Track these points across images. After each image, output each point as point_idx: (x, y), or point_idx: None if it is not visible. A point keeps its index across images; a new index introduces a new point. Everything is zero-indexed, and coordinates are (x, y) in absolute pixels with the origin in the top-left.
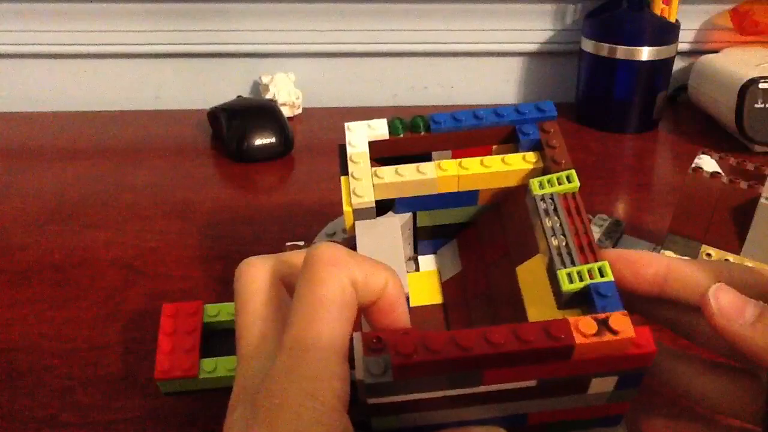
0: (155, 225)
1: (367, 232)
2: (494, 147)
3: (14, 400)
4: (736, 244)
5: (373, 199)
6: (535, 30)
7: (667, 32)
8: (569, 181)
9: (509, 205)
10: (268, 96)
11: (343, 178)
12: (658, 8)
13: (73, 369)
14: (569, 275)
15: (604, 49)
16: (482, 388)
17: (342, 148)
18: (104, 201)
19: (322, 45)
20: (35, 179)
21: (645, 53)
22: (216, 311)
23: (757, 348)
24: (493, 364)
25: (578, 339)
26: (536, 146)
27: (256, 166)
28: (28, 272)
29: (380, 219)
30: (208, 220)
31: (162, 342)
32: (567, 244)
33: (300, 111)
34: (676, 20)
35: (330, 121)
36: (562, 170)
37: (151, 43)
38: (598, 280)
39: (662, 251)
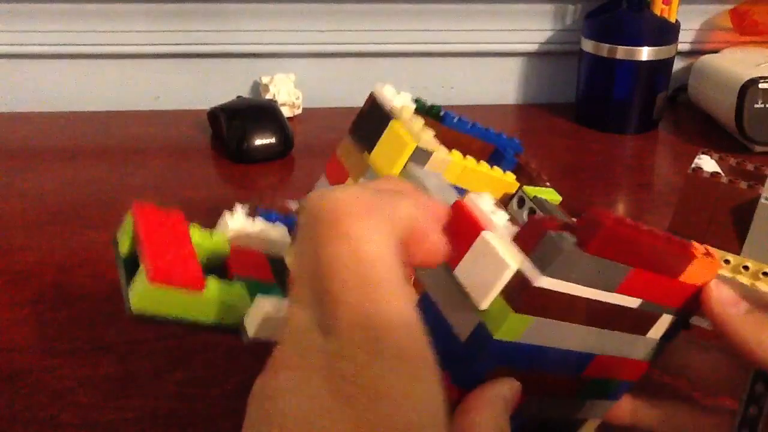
0: None
1: (427, 175)
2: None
3: (14, 400)
4: (736, 244)
5: (436, 147)
6: (535, 30)
7: (667, 32)
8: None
9: None
10: (268, 96)
11: (394, 121)
12: (658, 8)
13: (73, 369)
14: None
15: (604, 49)
16: (610, 297)
17: (372, 104)
18: (104, 201)
19: (322, 45)
20: (35, 179)
21: (645, 53)
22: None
23: (745, 338)
24: (651, 256)
25: (697, 253)
26: (513, 170)
27: (256, 167)
28: (28, 272)
29: (424, 168)
30: (208, 220)
31: (147, 240)
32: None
33: (300, 111)
34: (676, 20)
35: (330, 121)
36: (546, 187)
37: (151, 43)
38: None
39: None
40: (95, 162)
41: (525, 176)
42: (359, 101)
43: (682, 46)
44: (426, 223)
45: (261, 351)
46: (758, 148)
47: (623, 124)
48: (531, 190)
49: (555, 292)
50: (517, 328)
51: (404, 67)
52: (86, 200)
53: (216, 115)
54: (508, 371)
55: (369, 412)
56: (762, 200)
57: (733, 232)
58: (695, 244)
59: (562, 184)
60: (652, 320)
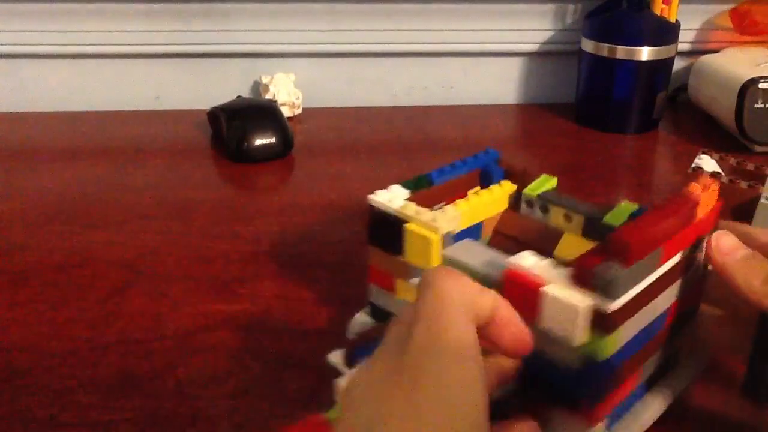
0: (155, 225)
1: (465, 254)
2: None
3: (14, 400)
4: None
5: (458, 226)
6: (535, 30)
7: (667, 32)
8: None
9: (508, 224)
10: (268, 96)
11: (407, 225)
12: (658, 8)
13: (73, 369)
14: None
15: (604, 49)
16: (659, 271)
17: (376, 215)
18: (104, 201)
19: (322, 45)
20: (35, 179)
21: (645, 53)
22: None
23: (737, 283)
24: (671, 230)
25: (699, 195)
26: (504, 177)
27: (256, 167)
28: (28, 272)
29: (462, 242)
30: (208, 220)
31: None
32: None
33: (300, 111)
34: (676, 20)
35: (330, 121)
36: (537, 176)
37: (151, 43)
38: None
39: None
40: (95, 162)
41: (515, 176)
42: (359, 101)
43: (682, 46)
44: (507, 312)
45: (261, 351)
46: (758, 148)
47: (623, 124)
48: (531, 189)
49: (625, 303)
50: (614, 341)
51: (404, 67)
52: (86, 200)
53: (216, 115)
54: (629, 362)
55: (415, 392)
56: (762, 200)
57: None
58: (693, 186)
59: (563, 184)
60: (692, 260)
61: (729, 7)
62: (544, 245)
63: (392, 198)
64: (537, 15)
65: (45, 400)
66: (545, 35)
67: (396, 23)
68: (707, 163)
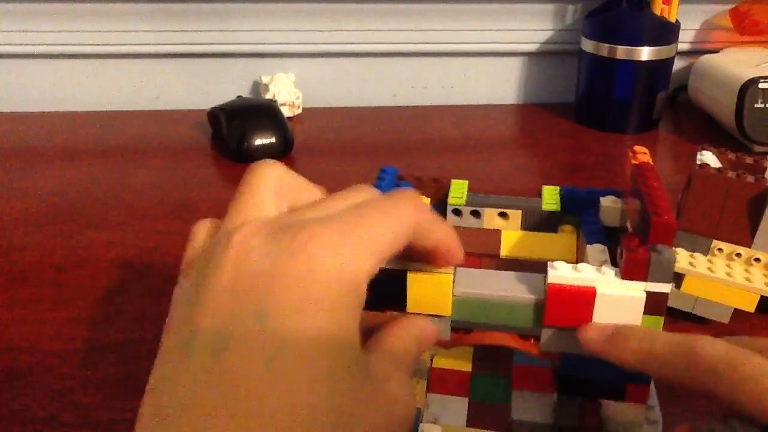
0: (155, 225)
1: (478, 286)
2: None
3: (14, 400)
4: (747, 238)
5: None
6: (535, 30)
7: (667, 32)
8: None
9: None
10: (268, 96)
11: (411, 274)
12: (658, 8)
13: (73, 369)
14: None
15: (604, 49)
16: None
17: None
18: (104, 201)
19: (322, 45)
20: (35, 179)
21: (645, 53)
22: None
23: (619, 360)
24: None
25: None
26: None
27: None
28: (28, 272)
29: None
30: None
31: None
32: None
33: (300, 111)
34: (676, 20)
35: (330, 121)
36: (447, 183)
37: (151, 43)
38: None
39: (675, 248)
40: (95, 162)
41: (426, 187)
42: (359, 101)
43: (682, 46)
44: (428, 220)
45: None
46: (758, 148)
47: (623, 123)
48: (456, 197)
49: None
50: (662, 320)
51: (404, 67)
52: (86, 200)
53: (216, 115)
54: None
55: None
56: None
57: (743, 226)
58: (639, 154)
59: (563, 184)
60: None
61: (729, 7)
62: (489, 249)
63: None
64: (537, 15)
65: (45, 400)
66: (545, 35)
67: (396, 23)
68: (710, 158)
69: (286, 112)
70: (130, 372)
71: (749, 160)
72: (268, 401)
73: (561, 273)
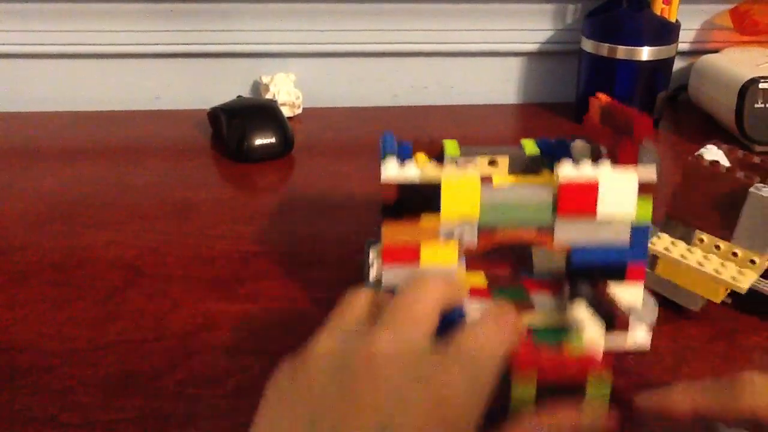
0: (155, 225)
1: (503, 194)
2: None
3: (14, 400)
4: (728, 232)
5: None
6: (535, 30)
7: (667, 32)
8: None
9: None
10: (268, 96)
11: (445, 179)
12: (658, 8)
13: (73, 369)
14: None
15: (604, 49)
16: None
17: (405, 188)
18: (104, 201)
19: (322, 45)
20: (35, 179)
21: (645, 53)
22: None
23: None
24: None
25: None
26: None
27: (256, 166)
28: (28, 272)
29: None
30: (208, 220)
31: None
32: None
33: (300, 111)
34: (676, 20)
35: (330, 121)
36: (440, 142)
37: (151, 43)
38: None
39: (659, 234)
40: (95, 162)
41: (425, 148)
42: (359, 101)
43: (682, 46)
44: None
45: (261, 351)
46: (758, 148)
47: None
48: (452, 152)
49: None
50: (651, 204)
51: (404, 67)
52: (86, 200)
53: (216, 115)
54: None
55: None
56: (752, 189)
57: (726, 220)
58: (599, 97)
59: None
60: None
61: (729, 7)
62: None
63: (405, 172)
64: (537, 15)
65: (45, 400)
66: (545, 35)
67: (396, 23)
68: (713, 153)
69: (286, 112)
70: (130, 372)
71: (756, 159)
72: None
73: (567, 171)
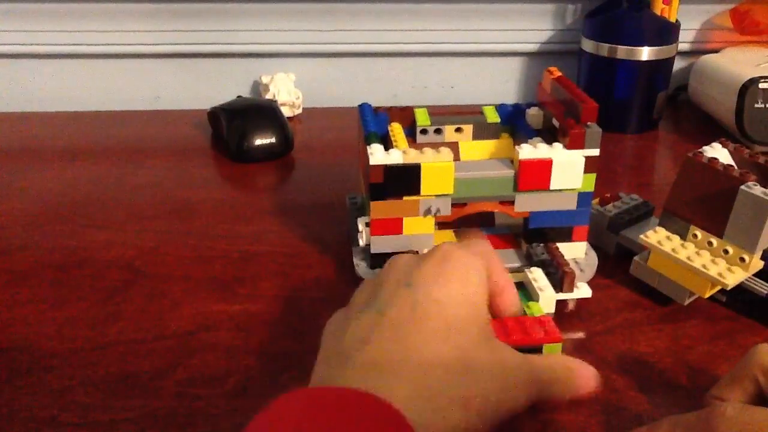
0: (155, 225)
1: (472, 169)
2: None
3: (14, 400)
4: (721, 229)
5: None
6: (535, 30)
7: (667, 32)
8: None
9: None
10: (268, 96)
11: (424, 165)
12: (658, 8)
13: (73, 369)
14: None
15: (604, 49)
16: None
17: (391, 169)
18: (104, 201)
19: (322, 45)
20: (35, 179)
21: (645, 53)
22: None
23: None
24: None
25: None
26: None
27: (256, 166)
28: (28, 272)
29: (458, 164)
30: (208, 220)
31: None
32: None
33: (300, 111)
34: (676, 20)
35: (330, 121)
36: (412, 111)
37: (151, 43)
38: None
39: (657, 227)
40: (95, 162)
41: (399, 116)
42: (359, 101)
43: (682, 46)
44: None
45: (261, 351)
46: (758, 148)
47: (623, 123)
48: (422, 121)
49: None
50: (594, 176)
51: (404, 67)
52: (86, 200)
53: (216, 115)
54: None
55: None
56: (742, 187)
57: (720, 217)
58: (551, 70)
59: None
60: None
61: (729, 7)
62: (454, 156)
63: (389, 156)
64: (537, 15)
65: (45, 400)
66: (545, 35)
67: (396, 23)
68: (716, 150)
69: (286, 112)
70: (130, 372)
71: (761, 159)
72: (414, 333)
73: (526, 152)
